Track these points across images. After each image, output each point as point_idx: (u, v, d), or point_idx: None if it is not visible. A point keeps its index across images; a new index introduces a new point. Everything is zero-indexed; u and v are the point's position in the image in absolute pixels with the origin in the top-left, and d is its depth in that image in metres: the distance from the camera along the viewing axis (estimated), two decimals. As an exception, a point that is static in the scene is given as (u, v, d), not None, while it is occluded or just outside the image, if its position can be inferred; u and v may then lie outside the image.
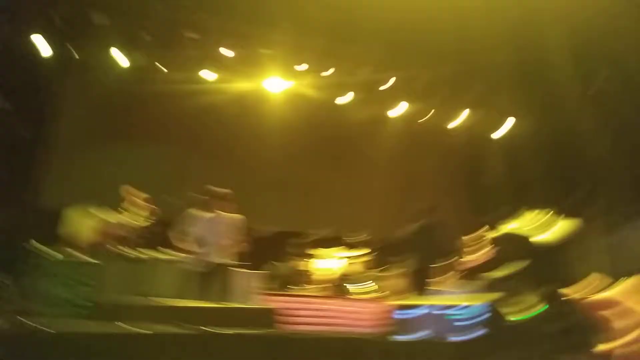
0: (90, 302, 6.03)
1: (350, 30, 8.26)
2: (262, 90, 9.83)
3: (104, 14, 8.08)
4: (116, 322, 4.55)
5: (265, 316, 5.62)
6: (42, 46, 8.04)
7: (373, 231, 8.90)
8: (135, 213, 7.26)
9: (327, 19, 7.97)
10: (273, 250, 8.21)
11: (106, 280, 6.11)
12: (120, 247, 6.91)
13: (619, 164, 8.48)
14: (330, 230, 8.53)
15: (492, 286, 5.05)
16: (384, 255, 8.60)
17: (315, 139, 9.98)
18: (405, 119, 10.57)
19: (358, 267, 8.46)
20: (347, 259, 8.49)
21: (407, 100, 10.38)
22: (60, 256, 6.42)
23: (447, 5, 7.26)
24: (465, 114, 10.66)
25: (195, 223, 6.13)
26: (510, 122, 10.71)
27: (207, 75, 9.30)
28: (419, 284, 6.73)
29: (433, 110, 10.43)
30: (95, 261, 6.38)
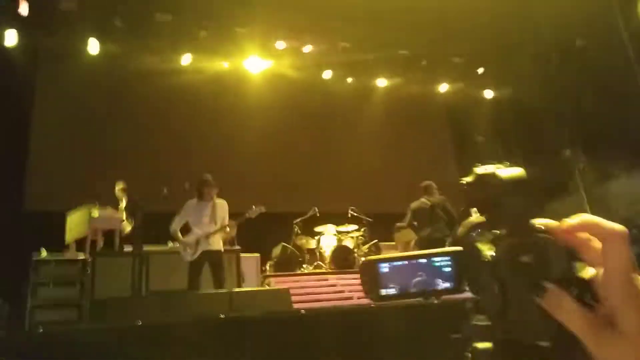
0: (83, 300, 5.97)
1: (328, 5, 8.08)
2: (241, 70, 9.63)
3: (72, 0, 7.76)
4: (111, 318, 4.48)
5: (279, 297, 5.58)
6: (9, 37, 7.72)
7: (364, 205, 8.87)
8: (121, 206, 7.12)
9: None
10: (265, 233, 8.12)
11: (98, 277, 6.04)
12: (112, 242, 6.80)
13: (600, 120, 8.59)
14: (319, 208, 8.45)
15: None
16: (376, 228, 8.62)
17: (298, 118, 9.84)
18: (387, 92, 10.52)
19: (351, 242, 8.46)
20: (339, 235, 8.48)
21: (388, 74, 10.31)
22: (48, 256, 6.31)
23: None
24: (448, 80, 10.70)
25: (183, 211, 6.02)
26: (491, 88, 10.83)
27: (184, 57, 9.06)
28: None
29: (416, 79, 10.40)
30: (86, 258, 6.28)
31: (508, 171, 0.56)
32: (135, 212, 6.67)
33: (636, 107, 8.44)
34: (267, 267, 8.06)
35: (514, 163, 0.59)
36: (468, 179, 0.58)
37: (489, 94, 11.22)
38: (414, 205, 7.32)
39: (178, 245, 6.07)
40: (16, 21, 7.66)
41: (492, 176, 0.56)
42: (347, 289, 7.08)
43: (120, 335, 3.89)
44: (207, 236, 5.83)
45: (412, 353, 4.11)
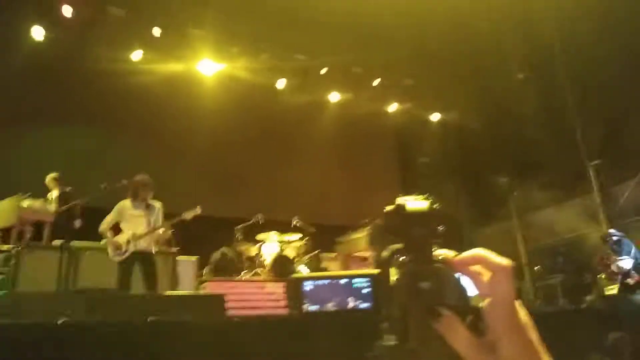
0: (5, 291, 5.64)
1: (286, 15, 8.16)
2: (193, 72, 9.51)
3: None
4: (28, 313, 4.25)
5: (213, 302, 5.45)
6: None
7: (308, 215, 8.90)
8: (53, 198, 6.83)
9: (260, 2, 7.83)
10: (206, 237, 7.98)
11: (23, 270, 5.74)
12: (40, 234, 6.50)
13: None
14: (263, 215, 8.40)
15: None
16: (318, 239, 8.65)
17: (249, 124, 9.80)
18: (339, 106, 10.68)
19: (293, 251, 8.44)
20: (281, 243, 8.44)
21: (341, 87, 10.48)
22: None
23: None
24: (398, 101, 11.00)
25: (115, 211, 5.83)
26: (442, 108, 11.24)
27: (134, 54, 8.85)
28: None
29: (367, 97, 10.62)
30: (11, 249, 5.97)
31: (415, 204, 0.62)
32: (67, 201, 6.41)
33: (566, 139, 8.99)
34: (205, 272, 7.91)
35: (435, 193, 0.65)
36: (389, 207, 0.62)
37: (435, 116, 11.59)
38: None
39: (114, 244, 5.87)
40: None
41: (403, 208, 0.61)
42: (285, 298, 7.06)
43: (34, 332, 3.70)
44: (138, 237, 5.67)
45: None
